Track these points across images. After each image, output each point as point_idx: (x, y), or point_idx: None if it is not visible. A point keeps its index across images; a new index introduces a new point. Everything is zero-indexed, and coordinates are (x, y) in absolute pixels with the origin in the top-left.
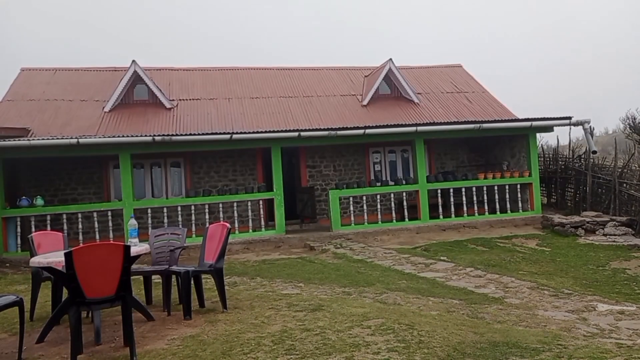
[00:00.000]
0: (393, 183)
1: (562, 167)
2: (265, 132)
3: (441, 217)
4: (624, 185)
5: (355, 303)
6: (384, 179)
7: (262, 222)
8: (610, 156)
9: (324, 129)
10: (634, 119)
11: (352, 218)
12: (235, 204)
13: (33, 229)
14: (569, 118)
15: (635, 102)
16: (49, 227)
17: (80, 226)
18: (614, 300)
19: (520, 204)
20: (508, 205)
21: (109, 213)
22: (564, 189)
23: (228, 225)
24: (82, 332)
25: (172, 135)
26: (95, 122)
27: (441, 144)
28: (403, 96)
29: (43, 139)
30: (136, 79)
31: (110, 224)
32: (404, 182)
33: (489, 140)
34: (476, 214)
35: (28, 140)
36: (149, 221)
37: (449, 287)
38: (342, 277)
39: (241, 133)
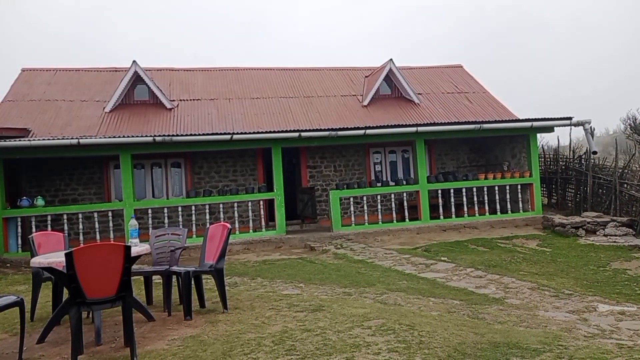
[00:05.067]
0: (394, 183)
1: (563, 167)
2: (266, 132)
3: (442, 217)
4: (625, 185)
5: (355, 303)
6: (384, 179)
7: (263, 223)
8: (611, 157)
9: (325, 130)
10: (635, 119)
11: (353, 218)
12: (235, 205)
13: (34, 229)
14: (570, 118)
15: (636, 103)
16: (49, 228)
17: (80, 226)
18: (615, 301)
19: (520, 205)
20: (509, 206)
21: (110, 213)
22: (565, 189)
23: (228, 225)
24: (83, 333)
25: (173, 135)
26: (96, 123)
27: (442, 144)
28: (403, 96)
29: (44, 139)
30: (137, 80)
31: (110, 224)
32: (404, 182)
33: (490, 141)
34: (477, 215)
35: (29, 140)
36: (150, 221)
37: (450, 288)
38: (343, 278)
39: (242, 133)
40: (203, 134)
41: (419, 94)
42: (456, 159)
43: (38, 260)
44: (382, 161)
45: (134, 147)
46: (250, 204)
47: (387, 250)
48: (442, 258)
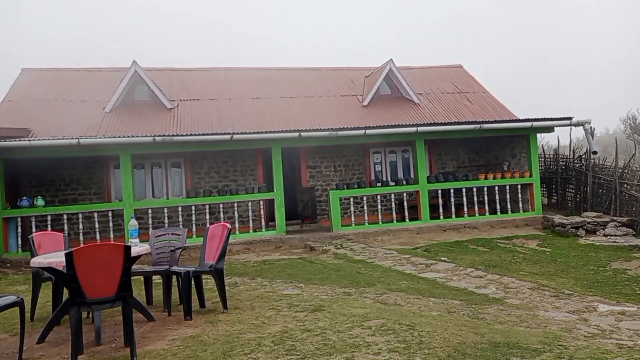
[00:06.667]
0: (394, 183)
1: (563, 167)
2: (266, 132)
3: (442, 217)
4: (625, 185)
5: (355, 303)
6: (384, 179)
7: (263, 223)
8: (611, 157)
9: (325, 130)
10: (635, 119)
11: (353, 218)
12: (235, 205)
13: (34, 229)
14: (570, 118)
15: (636, 103)
16: (49, 228)
17: (80, 226)
18: (615, 301)
19: (520, 205)
20: (509, 206)
21: (110, 213)
22: (565, 189)
23: (229, 225)
24: (83, 333)
25: (173, 135)
26: (96, 123)
27: (442, 144)
28: (403, 96)
29: (44, 140)
30: (137, 80)
31: (110, 224)
32: (404, 182)
33: (490, 141)
34: (477, 215)
35: (29, 140)
36: (150, 221)
37: (450, 288)
38: (343, 278)
39: (242, 133)
40: (203, 134)
41: (419, 94)
42: (456, 159)
43: (38, 260)
44: (382, 161)
45: (134, 147)
46: (250, 204)
47: (387, 250)
48: (442, 258)
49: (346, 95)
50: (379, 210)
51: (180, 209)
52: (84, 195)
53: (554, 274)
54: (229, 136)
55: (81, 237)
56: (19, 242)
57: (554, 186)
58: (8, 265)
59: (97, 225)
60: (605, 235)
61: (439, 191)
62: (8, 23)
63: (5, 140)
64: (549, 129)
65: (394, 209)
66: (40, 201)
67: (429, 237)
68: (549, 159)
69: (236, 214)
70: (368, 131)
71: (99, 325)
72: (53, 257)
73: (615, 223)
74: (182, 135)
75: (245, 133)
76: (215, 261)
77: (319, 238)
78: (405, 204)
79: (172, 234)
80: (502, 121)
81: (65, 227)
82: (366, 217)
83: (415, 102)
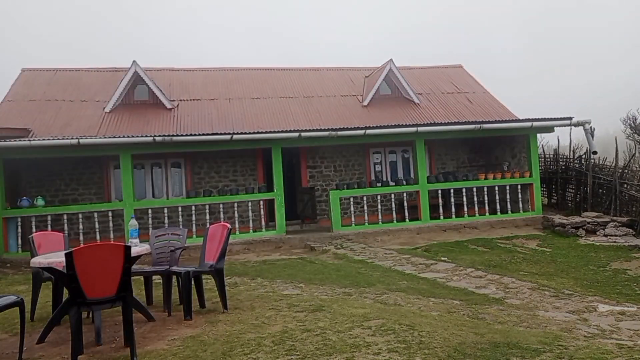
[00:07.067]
0: (394, 183)
1: (563, 167)
2: (266, 132)
3: (442, 217)
4: (625, 185)
5: (355, 304)
6: (384, 179)
7: (263, 223)
8: (611, 157)
9: (325, 130)
10: (635, 119)
11: (353, 218)
12: (235, 205)
13: (34, 230)
14: (570, 118)
15: (636, 103)
16: (49, 228)
17: (80, 226)
18: (615, 301)
19: (520, 205)
20: (509, 206)
21: (110, 213)
22: (565, 189)
23: (229, 225)
24: (83, 333)
25: (173, 135)
26: (96, 123)
27: (442, 144)
28: (403, 96)
29: (44, 140)
30: (137, 80)
31: (110, 224)
32: (404, 182)
33: (490, 141)
34: (477, 215)
35: (29, 140)
36: (150, 221)
37: (450, 288)
38: (343, 278)
39: (242, 133)
40: (203, 134)
41: (419, 94)
42: (456, 159)
43: (38, 260)
44: (382, 161)
45: (134, 147)
46: (250, 204)
47: (387, 250)
48: (442, 258)
49: (346, 95)
50: (379, 210)
51: (180, 209)
52: (84, 195)
53: (554, 274)
54: (229, 136)
55: (81, 237)
56: (19, 242)
57: (554, 186)
58: (8, 265)
59: (97, 225)
60: (605, 235)
61: (439, 191)
62: (8, 23)
63: (5, 140)
64: (549, 129)
65: (394, 209)
66: (40, 201)
67: (429, 237)
68: (549, 159)
69: (236, 214)
70: (368, 131)
71: (99, 325)
72: (53, 257)
73: (615, 223)
74: (182, 135)
75: (245, 133)
76: (215, 261)
77: (319, 238)
78: (405, 204)
79: (172, 234)
80: (502, 121)
81: (65, 227)
82: (366, 217)
83: (415, 102)
